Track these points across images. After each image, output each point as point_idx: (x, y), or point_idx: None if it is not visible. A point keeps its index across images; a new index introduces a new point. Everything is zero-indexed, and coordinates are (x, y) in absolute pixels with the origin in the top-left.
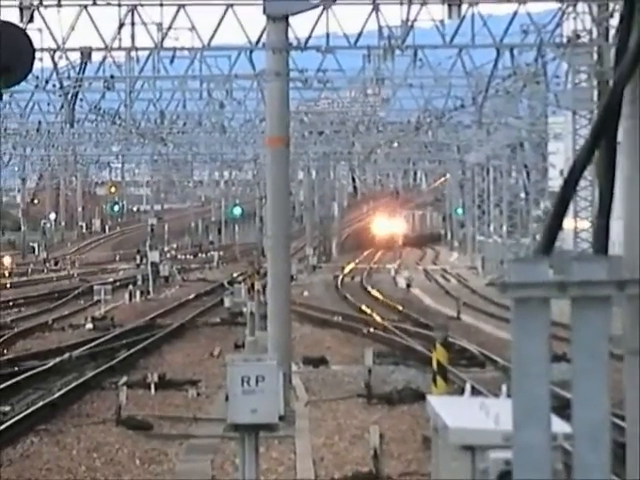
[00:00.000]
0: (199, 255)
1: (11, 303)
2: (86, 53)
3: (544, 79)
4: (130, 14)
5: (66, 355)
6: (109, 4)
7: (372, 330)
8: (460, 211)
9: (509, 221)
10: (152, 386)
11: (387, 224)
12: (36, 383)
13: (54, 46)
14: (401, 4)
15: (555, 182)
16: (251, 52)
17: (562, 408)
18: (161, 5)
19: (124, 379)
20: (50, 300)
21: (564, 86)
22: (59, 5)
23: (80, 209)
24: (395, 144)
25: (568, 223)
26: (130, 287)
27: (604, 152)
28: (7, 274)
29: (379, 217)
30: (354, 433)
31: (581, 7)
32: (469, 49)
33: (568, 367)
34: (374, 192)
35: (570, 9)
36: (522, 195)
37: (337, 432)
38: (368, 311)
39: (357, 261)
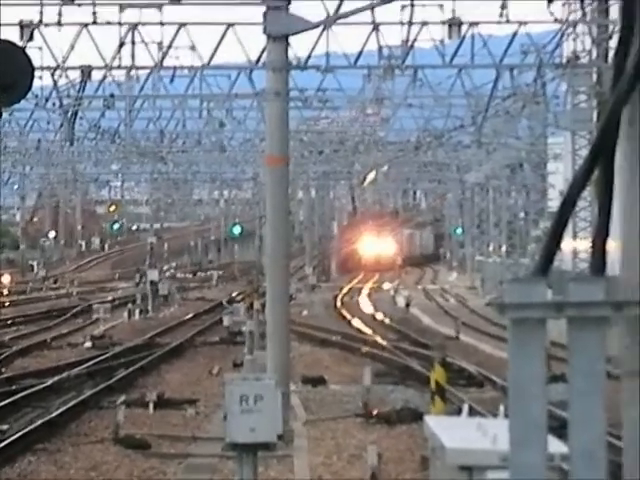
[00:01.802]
0: (198, 274)
1: (10, 321)
2: (86, 72)
3: (543, 99)
4: (130, 33)
5: (64, 374)
6: (109, 23)
7: (370, 350)
8: (459, 231)
9: (508, 241)
10: (150, 405)
11: (374, 245)
12: (34, 402)
13: (54, 64)
14: (401, 24)
15: (554, 202)
16: (251, 71)
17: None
18: (161, 24)
19: (122, 398)
20: (49, 318)
21: (563, 106)
22: (59, 24)
23: (79, 227)
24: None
25: (567, 244)
26: (129, 306)
27: (602, 172)
28: (6, 292)
29: (366, 238)
30: (352, 453)
31: (581, 28)
32: (469, 69)
33: (566, 387)
34: (373, 211)
35: (570, 30)
36: (521, 215)
37: (335, 452)
38: (367, 330)
39: (356, 281)
